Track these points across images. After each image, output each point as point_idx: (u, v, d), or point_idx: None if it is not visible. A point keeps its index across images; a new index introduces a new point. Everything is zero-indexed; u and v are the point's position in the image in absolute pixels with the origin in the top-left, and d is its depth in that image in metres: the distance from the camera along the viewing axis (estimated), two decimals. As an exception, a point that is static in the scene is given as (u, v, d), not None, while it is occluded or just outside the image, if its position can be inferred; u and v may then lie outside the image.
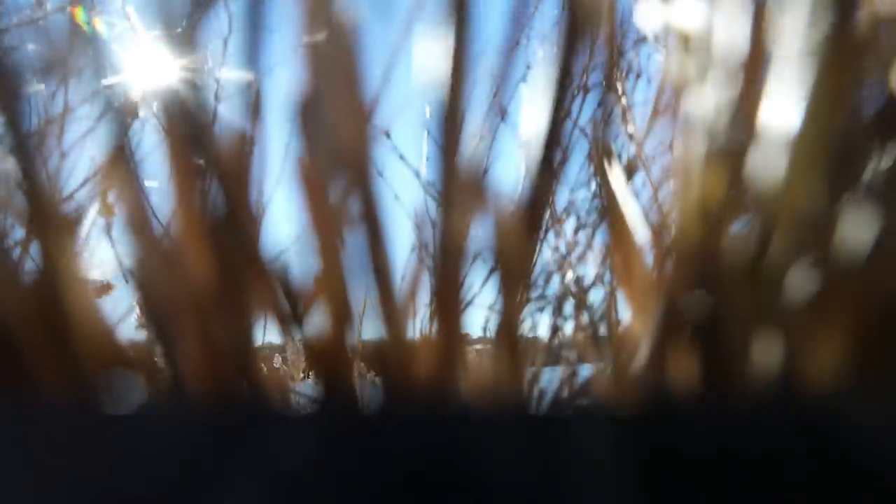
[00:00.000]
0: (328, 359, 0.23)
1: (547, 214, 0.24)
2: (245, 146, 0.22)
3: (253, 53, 0.22)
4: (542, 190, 0.24)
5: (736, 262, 0.21)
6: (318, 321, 0.23)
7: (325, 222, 0.21)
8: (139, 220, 0.23)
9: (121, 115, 0.25)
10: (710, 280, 0.21)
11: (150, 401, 0.21)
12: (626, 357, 0.25)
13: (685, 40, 0.26)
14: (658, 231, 0.26)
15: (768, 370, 0.21)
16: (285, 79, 0.22)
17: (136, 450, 0.21)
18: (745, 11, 0.24)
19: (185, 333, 0.22)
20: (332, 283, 0.22)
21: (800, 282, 0.21)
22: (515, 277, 0.22)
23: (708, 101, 0.24)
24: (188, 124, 0.23)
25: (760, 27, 0.24)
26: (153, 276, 0.21)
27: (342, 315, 0.23)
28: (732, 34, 0.24)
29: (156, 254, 0.21)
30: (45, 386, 0.23)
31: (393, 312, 0.22)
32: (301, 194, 0.21)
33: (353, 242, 0.22)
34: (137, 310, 0.22)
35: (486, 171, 0.23)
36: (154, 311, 0.21)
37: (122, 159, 0.24)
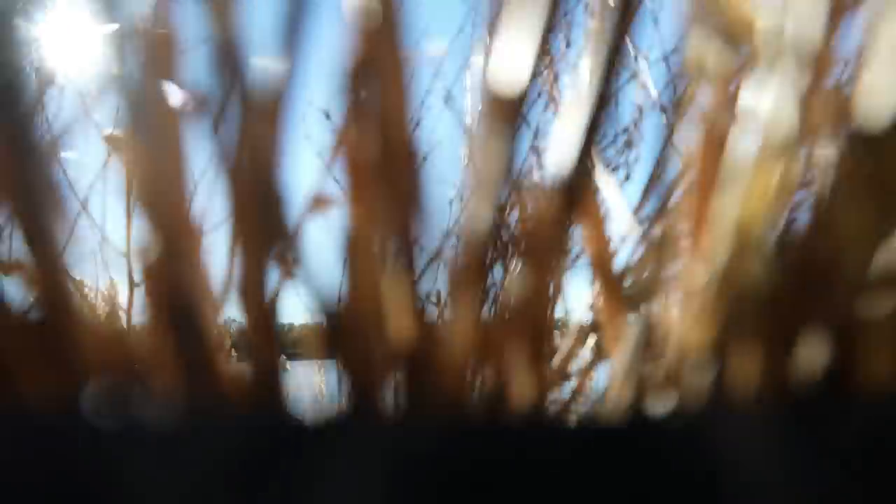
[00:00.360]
0: (361, 370, 0.21)
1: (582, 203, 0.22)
2: (277, 123, 0.19)
3: (294, 22, 0.19)
4: (579, 178, 0.21)
5: (792, 260, 0.19)
6: (353, 332, 0.20)
7: (370, 217, 0.19)
8: (161, 202, 0.20)
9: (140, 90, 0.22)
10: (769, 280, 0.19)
11: (161, 413, 0.18)
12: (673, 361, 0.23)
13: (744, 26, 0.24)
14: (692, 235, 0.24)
15: (824, 371, 0.20)
16: (328, 47, 0.19)
17: (140, 472, 0.18)
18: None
19: (205, 337, 0.19)
20: (370, 290, 0.20)
21: (862, 279, 0.19)
22: (546, 266, 0.19)
23: (771, 93, 0.22)
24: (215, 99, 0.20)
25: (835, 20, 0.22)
26: (173, 268, 0.18)
27: (377, 325, 0.20)
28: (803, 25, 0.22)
29: (180, 244, 0.18)
30: (33, 396, 0.19)
31: (427, 321, 0.19)
32: (346, 182, 0.19)
33: (396, 242, 0.20)
34: (148, 307, 0.19)
35: (523, 157, 0.20)
36: (171, 309, 0.18)
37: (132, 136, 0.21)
